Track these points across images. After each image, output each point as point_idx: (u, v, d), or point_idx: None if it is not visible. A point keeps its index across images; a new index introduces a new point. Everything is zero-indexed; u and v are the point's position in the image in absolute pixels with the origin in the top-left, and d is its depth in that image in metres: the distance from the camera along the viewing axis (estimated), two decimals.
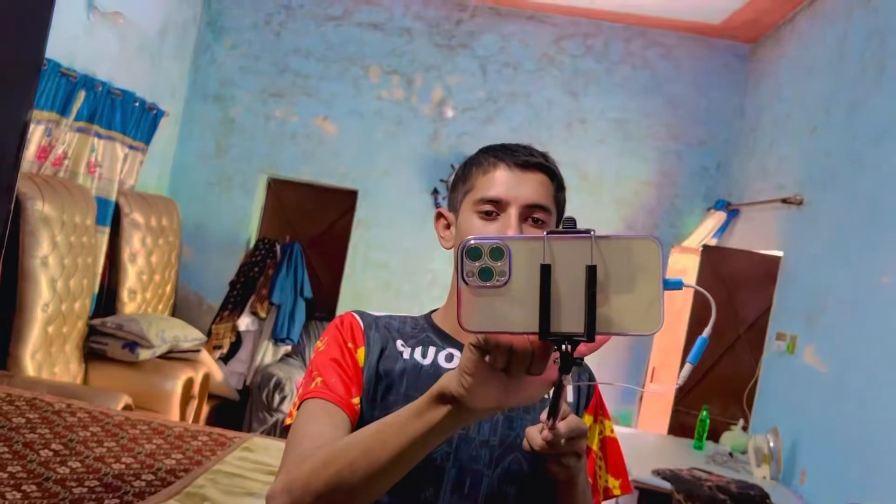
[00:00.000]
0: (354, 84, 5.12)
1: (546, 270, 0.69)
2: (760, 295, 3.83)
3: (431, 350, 1.03)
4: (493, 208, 1.00)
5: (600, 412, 1.07)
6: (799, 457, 3.09)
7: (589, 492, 0.94)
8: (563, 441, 0.80)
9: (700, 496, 2.65)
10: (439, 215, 1.11)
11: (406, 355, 1.02)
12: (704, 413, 3.57)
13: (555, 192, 1.04)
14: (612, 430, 1.08)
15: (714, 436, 3.69)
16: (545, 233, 0.70)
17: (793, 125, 3.94)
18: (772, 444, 3.17)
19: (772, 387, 3.58)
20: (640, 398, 4.56)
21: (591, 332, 0.70)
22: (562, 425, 0.80)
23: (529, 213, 1.00)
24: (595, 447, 1.06)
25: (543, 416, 0.80)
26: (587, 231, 0.70)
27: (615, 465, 1.07)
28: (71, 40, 3.81)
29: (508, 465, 0.96)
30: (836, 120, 3.39)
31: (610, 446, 1.08)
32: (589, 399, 1.08)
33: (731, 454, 3.42)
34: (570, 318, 0.70)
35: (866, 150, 3.04)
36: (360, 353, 1.03)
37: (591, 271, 0.68)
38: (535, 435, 0.82)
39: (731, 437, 3.52)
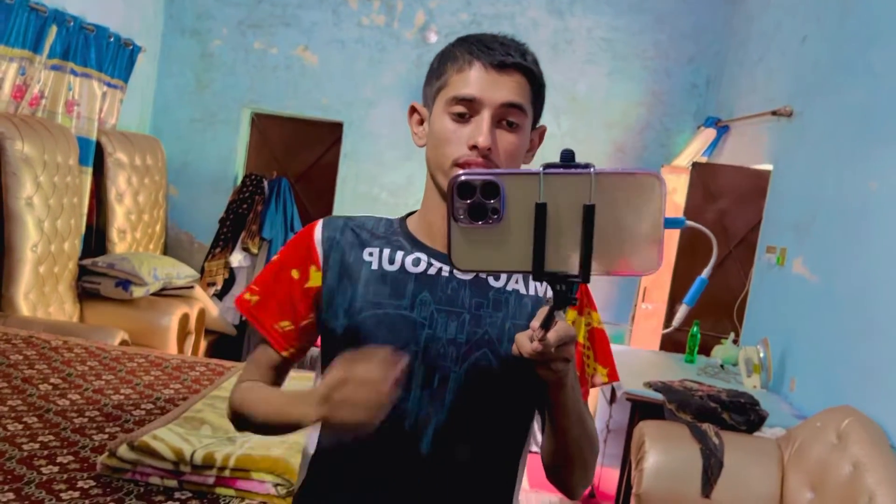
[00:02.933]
0: (334, 11, 4.99)
1: (541, 209, 0.66)
2: (751, 210, 3.84)
3: (399, 254, 1.02)
4: (466, 109, 0.96)
5: (587, 305, 1.07)
6: (788, 366, 3.15)
7: (578, 387, 0.94)
8: (552, 349, 0.80)
9: (691, 405, 2.71)
10: (413, 110, 1.07)
11: (374, 265, 1.02)
12: (695, 328, 3.61)
13: (532, 94, 0.99)
14: (599, 322, 1.08)
15: (705, 350, 3.75)
16: (541, 167, 0.67)
17: (782, 36, 3.87)
18: (762, 355, 3.22)
19: (762, 300, 3.62)
20: (633, 317, 4.61)
21: (586, 273, 0.68)
22: (551, 334, 0.79)
23: (504, 115, 0.96)
24: (582, 339, 1.06)
25: (535, 323, 0.79)
26: (586, 166, 0.66)
27: (603, 354, 1.08)
28: None
29: (475, 361, 0.97)
30: (828, 27, 3.33)
31: (597, 336, 1.08)
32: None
33: (721, 366, 3.48)
34: (565, 258, 0.68)
35: (857, 57, 3.00)
36: (314, 275, 1.04)
37: (589, 210, 0.65)
38: (525, 342, 0.81)
39: (722, 351, 3.58)
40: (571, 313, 1.05)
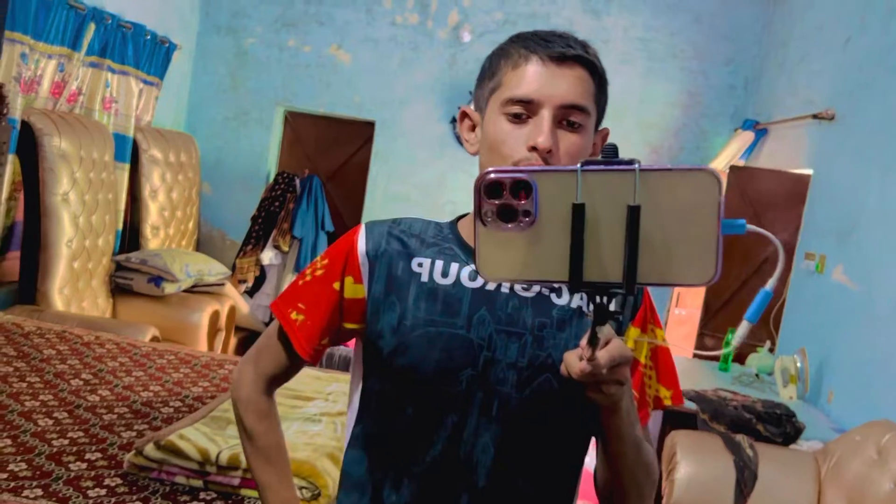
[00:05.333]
0: (368, 10, 4.99)
1: (579, 211, 0.59)
2: (789, 215, 3.74)
3: (454, 266, 0.93)
4: (523, 109, 0.87)
5: (650, 321, 0.97)
6: (826, 377, 3.06)
7: (634, 412, 0.87)
8: (604, 370, 0.72)
9: (725, 415, 2.64)
10: (464, 115, 0.98)
11: (425, 276, 0.93)
12: (730, 335, 3.53)
13: (595, 90, 0.90)
14: (663, 339, 0.98)
15: (740, 358, 3.67)
16: (579, 164, 0.60)
17: (825, 37, 3.77)
18: (799, 365, 3.14)
19: (799, 308, 3.53)
20: (665, 323, 4.54)
21: (630, 284, 0.60)
22: (603, 354, 0.71)
23: (565, 115, 0.87)
24: (644, 359, 0.97)
25: (583, 341, 0.72)
26: (630, 162, 0.59)
27: (666, 374, 0.98)
28: None
29: (538, 387, 0.90)
30: (872, 29, 3.23)
31: (661, 355, 0.98)
32: (636, 310, 0.97)
33: (757, 375, 3.40)
34: (606, 266, 0.61)
35: None
36: (357, 289, 0.96)
37: (634, 212, 0.58)
38: (574, 361, 0.73)
39: (758, 359, 3.50)
40: (634, 330, 0.96)
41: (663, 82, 4.83)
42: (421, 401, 0.92)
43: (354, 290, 0.97)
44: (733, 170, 4.06)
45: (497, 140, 0.89)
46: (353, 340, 1.03)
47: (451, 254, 0.95)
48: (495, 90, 0.91)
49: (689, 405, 2.78)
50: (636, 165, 0.59)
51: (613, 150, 0.61)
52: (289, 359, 1.02)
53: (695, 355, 3.96)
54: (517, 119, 0.88)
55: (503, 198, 0.61)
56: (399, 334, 0.92)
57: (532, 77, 0.88)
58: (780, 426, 2.62)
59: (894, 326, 2.62)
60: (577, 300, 0.93)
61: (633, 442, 0.87)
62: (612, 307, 0.67)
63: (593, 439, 0.97)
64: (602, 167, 0.60)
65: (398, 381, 0.93)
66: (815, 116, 3.52)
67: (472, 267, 0.93)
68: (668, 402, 0.98)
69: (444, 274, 0.93)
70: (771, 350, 3.60)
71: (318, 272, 0.99)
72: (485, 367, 0.90)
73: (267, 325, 4.69)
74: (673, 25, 4.80)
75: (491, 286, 0.92)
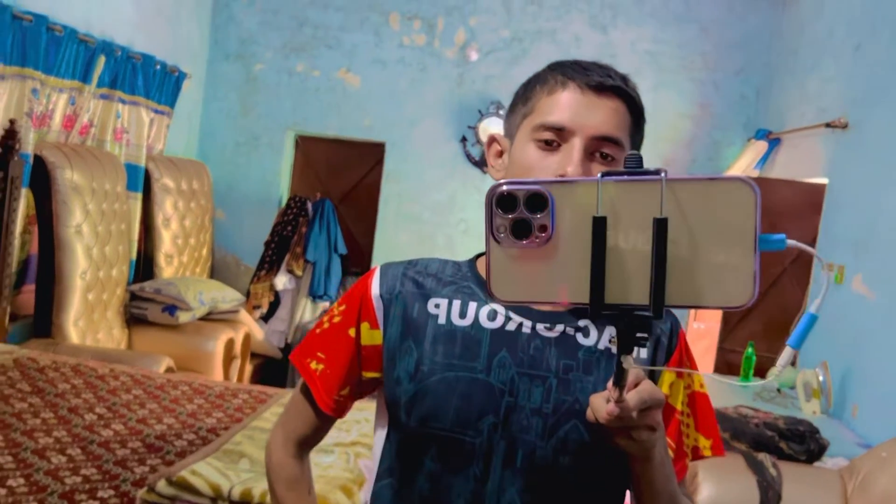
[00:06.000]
0: (375, 32, 5.01)
1: (600, 225, 0.54)
2: (806, 225, 3.69)
3: (472, 306, 0.89)
4: (555, 137, 0.84)
5: (686, 363, 0.91)
6: (850, 390, 3.00)
7: (669, 464, 0.82)
8: (633, 414, 0.67)
9: (747, 434, 2.59)
10: (492, 140, 0.95)
11: (441, 318, 0.89)
12: (750, 350, 3.48)
13: (632, 124, 0.87)
14: (701, 385, 0.92)
15: (761, 373, 3.61)
16: (599, 174, 0.55)
17: (835, 44, 3.72)
18: (821, 379, 3.08)
19: (820, 319, 3.46)
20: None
21: (658, 306, 0.55)
22: (632, 395, 0.67)
23: (598, 147, 0.83)
24: (681, 405, 0.91)
25: (610, 383, 0.67)
26: (657, 172, 0.54)
27: (705, 422, 0.92)
28: (85, 5, 3.77)
29: (565, 435, 0.84)
30: (883, 34, 3.19)
31: (699, 402, 0.92)
32: (671, 351, 0.90)
33: (778, 390, 3.34)
34: (630, 287, 0.56)
35: None
36: (374, 335, 0.93)
37: (661, 225, 0.53)
38: (601, 405, 0.68)
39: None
40: (668, 375, 0.90)
41: (673, 94, 4.80)
42: (441, 452, 0.87)
43: (371, 336, 0.93)
44: None
45: (524, 166, 0.85)
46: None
47: (468, 292, 0.91)
48: (528, 115, 0.88)
49: None
50: (663, 175, 0.54)
51: (637, 159, 0.57)
52: (314, 415, 0.98)
53: (716, 373, 3.91)
54: (548, 146, 0.85)
55: (517, 212, 0.57)
56: (416, 381, 0.88)
57: (567, 104, 0.85)
58: (804, 443, 2.56)
59: None
60: (605, 341, 0.88)
61: (668, 497, 0.82)
62: (638, 334, 0.61)
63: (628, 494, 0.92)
64: (625, 177, 0.55)
65: (418, 432, 0.88)
66: (828, 125, 3.47)
67: (491, 306, 0.89)
68: (707, 454, 0.92)
69: (462, 315, 0.89)
70: (793, 364, 3.53)
71: (336, 319, 0.96)
72: (507, 413, 0.85)
73: (282, 350, 4.70)
74: (681, 37, 4.77)
75: (511, 326, 0.88)
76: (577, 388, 0.85)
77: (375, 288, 0.94)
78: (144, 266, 4.31)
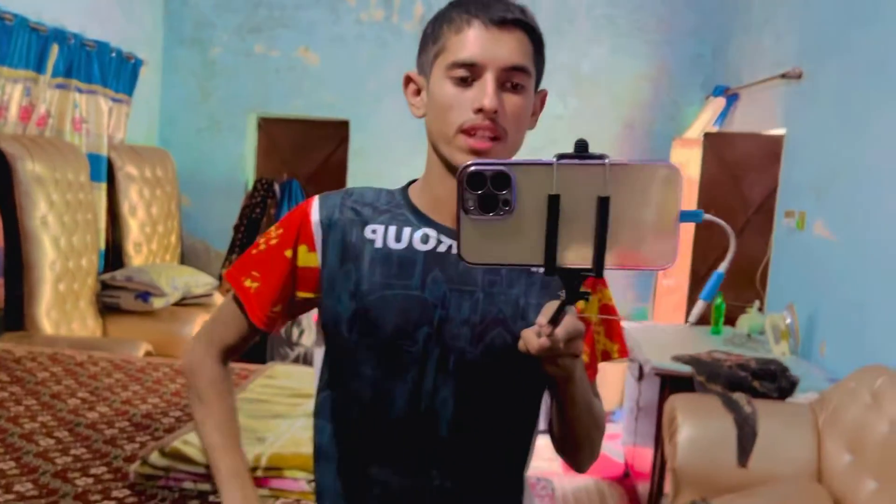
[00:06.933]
0: (332, 9, 4.97)
1: (555, 201, 0.64)
2: (767, 176, 3.79)
3: (406, 231, 0.98)
4: (468, 72, 0.91)
5: (599, 283, 1.03)
6: (816, 329, 3.11)
7: (586, 378, 0.93)
8: (560, 344, 0.78)
9: (721, 375, 2.68)
10: (408, 80, 1.01)
11: (378, 243, 0.97)
12: (719, 299, 3.57)
13: (534, 52, 0.95)
14: (610, 298, 1.05)
15: (730, 321, 3.71)
16: (555, 158, 0.65)
17: None
18: (788, 321, 3.18)
19: (784, 265, 3.57)
20: (654, 294, 4.57)
21: (599, 268, 0.66)
22: (560, 330, 0.77)
23: (508, 77, 0.91)
24: (594, 317, 1.04)
25: (541, 319, 0.77)
26: (601, 157, 0.65)
27: (614, 330, 1.05)
28: None
29: (491, 341, 0.95)
30: None
31: (609, 313, 1.05)
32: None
33: (748, 335, 3.44)
34: (578, 251, 0.66)
35: (865, 11, 2.94)
36: (310, 258, 1.00)
37: (604, 203, 0.64)
38: (532, 338, 0.78)
39: (748, 320, 3.53)
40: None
41: (631, 57, 4.86)
42: (380, 361, 0.96)
43: (308, 258, 1.00)
44: (708, 137, 4.10)
45: (444, 104, 0.93)
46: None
47: (403, 219, 0.99)
48: (439, 55, 0.94)
49: (685, 368, 2.81)
50: (606, 160, 0.64)
51: (584, 145, 0.66)
52: (246, 327, 1.05)
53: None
54: (462, 82, 0.92)
55: (485, 189, 0.66)
56: (357, 299, 0.96)
57: (475, 41, 0.91)
58: (776, 381, 2.65)
59: (877, 273, 2.67)
60: None
61: (586, 405, 0.93)
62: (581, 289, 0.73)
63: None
64: (576, 161, 0.65)
65: (358, 344, 0.97)
66: (783, 76, 3.56)
67: (423, 230, 0.98)
68: (615, 356, 1.04)
69: (398, 239, 0.98)
70: (760, 309, 3.64)
71: (273, 241, 1.03)
72: (440, 324, 0.95)
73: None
74: (635, 1, 4.83)
75: (442, 248, 0.97)
76: (502, 300, 0.95)
77: (315, 214, 1.01)
78: (114, 255, 4.27)
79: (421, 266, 0.96)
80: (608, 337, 1.04)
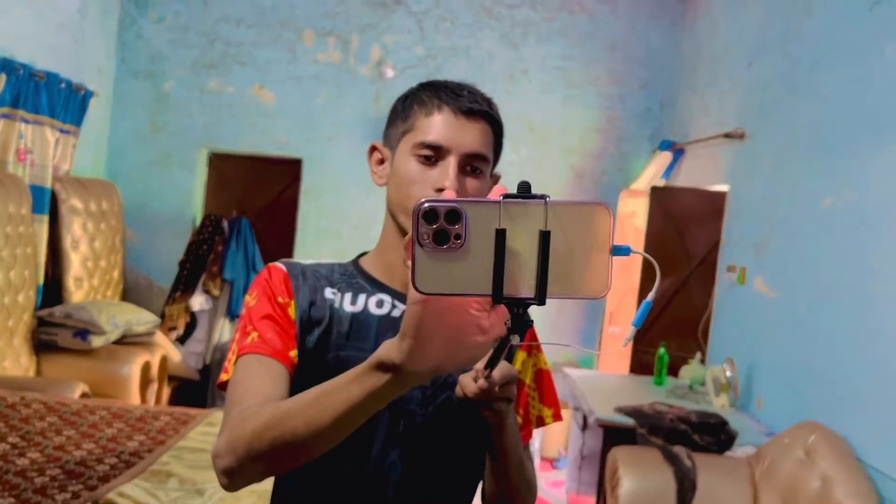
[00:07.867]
0: (289, 49, 5.00)
1: (501, 235, 0.70)
2: (710, 230, 3.90)
3: (361, 297, 1.02)
4: (433, 153, 0.97)
5: (534, 347, 1.09)
6: (755, 383, 3.19)
7: (517, 432, 0.98)
8: (496, 388, 0.83)
9: (662, 428, 2.72)
10: (373, 149, 1.07)
11: (336, 304, 1.01)
12: (662, 350, 3.64)
13: (494, 141, 1.02)
14: (545, 363, 1.11)
15: (673, 371, 3.78)
16: (501, 197, 0.70)
17: (730, 60, 3.98)
18: (728, 374, 3.26)
19: (725, 318, 3.67)
20: (600, 343, 4.64)
21: (542, 296, 0.71)
22: (495, 373, 0.82)
23: (469, 162, 0.98)
24: (528, 380, 1.09)
25: (479, 365, 0.82)
26: (542, 196, 0.71)
27: (548, 395, 1.10)
28: None
29: (441, 404, 0.99)
30: (772, 51, 3.44)
31: (544, 378, 1.10)
32: (522, 336, 1.07)
33: (690, 387, 3.51)
34: (522, 282, 0.71)
35: (803, 78, 3.09)
36: (291, 308, 1.00)
37: (545, 237, 0.69)
38: (469, 382, 0.83)
39: (690, 371, 3.61)
40: (521, 354, 1.08)
41: (582, 109, 5.00)
42: None
43: (290, 309, 1.01)
44: (654, 190, 4.22)
45: (408, 179, 0.98)
46: None
47: (357, 287, 1.04)
48: (407, 132, 1.00)
49: (628, 420, 2.85)
50: (546, 199, 0.71)
51: (527, 186, 0.72)
52: (266, 373, 0.93)
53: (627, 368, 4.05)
54: (427, 160, 0.97)
55: (438, 223, 0.71)
56: (313, 357, 0.98)
57: (442, 126, 0.98)
58: (715, 435, 2.71)
59: (813, 330, 2.76)
60: None
61: (517, 459, 0.98)
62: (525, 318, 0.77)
63: None
64: (519, 200, 0.71)
65: None
66: (727, 135, 3.70)
67: (378, 296, 1.03)
68: (549, 421, 1.10)
69: (353, 303, 1.02)
70: (702, 361, 3.72)
71: (252, 303, 1.01)
72: None
73: (200, 372, 4.59)
74: (589, 54, 4.98)
75: (396, 313, 1.01)
76: None
77: (283, 269, 1.03)
78: (52, 291, 4.14)
79: (375, 329, 1.00)
80: (542, 402, 1.09)
